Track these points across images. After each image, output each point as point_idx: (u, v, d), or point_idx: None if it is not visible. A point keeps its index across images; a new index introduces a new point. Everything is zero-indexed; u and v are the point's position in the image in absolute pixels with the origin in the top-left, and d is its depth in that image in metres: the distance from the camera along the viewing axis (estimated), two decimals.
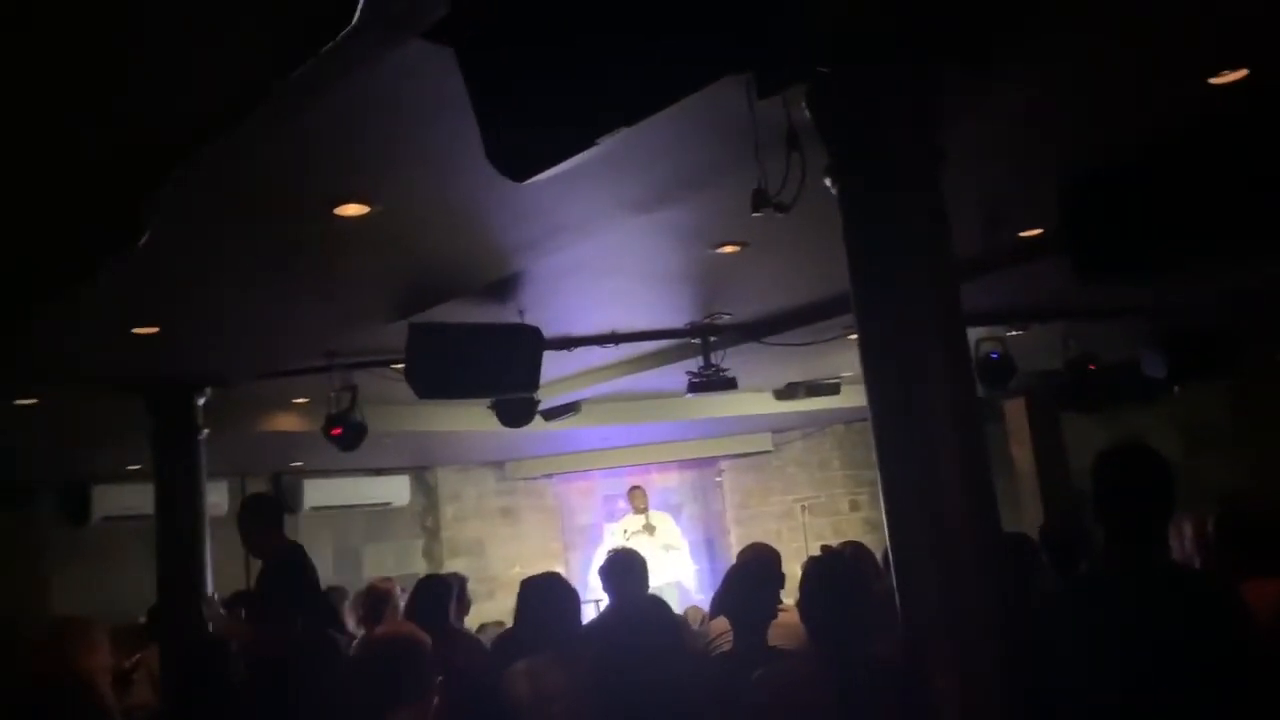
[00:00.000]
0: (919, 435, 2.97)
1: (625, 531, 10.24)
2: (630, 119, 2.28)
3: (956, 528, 2.90)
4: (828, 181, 2.96)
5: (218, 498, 9.08)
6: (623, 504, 11.03)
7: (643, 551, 9.25)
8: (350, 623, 5.83)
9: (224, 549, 7.78)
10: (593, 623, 4.70)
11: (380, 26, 2.57)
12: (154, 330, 5.13)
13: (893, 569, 3.05)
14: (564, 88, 2.34)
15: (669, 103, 2.25)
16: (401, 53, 2.72)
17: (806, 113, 2.90)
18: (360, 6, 2.46)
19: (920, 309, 2.96)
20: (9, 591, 8.50)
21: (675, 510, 12.00)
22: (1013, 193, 4.63)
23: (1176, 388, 7.45)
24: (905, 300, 2.96)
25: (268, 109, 2.91)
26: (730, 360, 6.94)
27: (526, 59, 2.44)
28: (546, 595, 3.97)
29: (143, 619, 6.95)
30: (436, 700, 2.71)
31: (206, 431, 6.47)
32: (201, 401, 6.41)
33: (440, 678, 2.80)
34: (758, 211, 2.82)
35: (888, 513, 3.07)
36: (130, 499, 8.69)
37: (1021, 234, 5.19)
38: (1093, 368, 7.32)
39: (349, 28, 2.52)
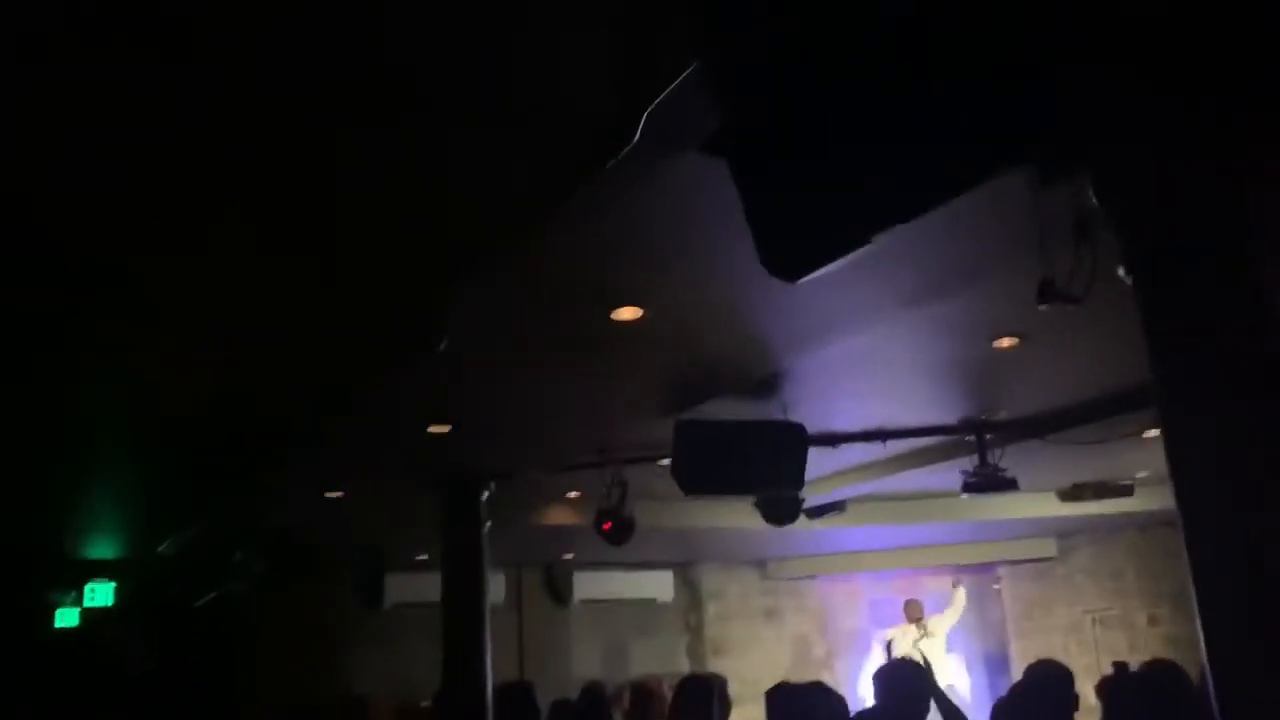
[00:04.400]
0: (1240, 542, 2.67)
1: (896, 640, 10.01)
2: (906, 216, 2.24)
3: None
4: (1121, 271, 2.77)
5: (496, 586, 9.56)
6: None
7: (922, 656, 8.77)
8: (617, 718, 5.88)
9: (499, 636, 8.16)
10: None
11: (658, 142, 2.71)
12: (447, 429, 5.53)
13: (1213, 695, 2.72)
14: (838, 186, 2.34)
15: (946, 199, 2.20)
16: (676, 165, 2.85)
17: (1093, 200, 2.74)
18: (641, 125, 2.61)
19: (1237, 406, 2.68)
20: (312, 664, 9.26)
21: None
22: None
23: None
24: (1219, 398, 2.70)
25: (554, 221, 3.12)
26: (1008, 459, 6.56)
27: (799, 159, 2.47)
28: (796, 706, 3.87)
29: (427, 703, 7.33)
30: None
31: (489, 524, 6.84)
32: (485, 496, 6.80)
33: None
34: (1045, 304, 2.68)
35: (1206, 631, 2.76)
36: (418, 587, 9.30)
37: None
38: None
39: (630, 145, 2.68)
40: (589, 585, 10.87)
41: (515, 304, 3.92)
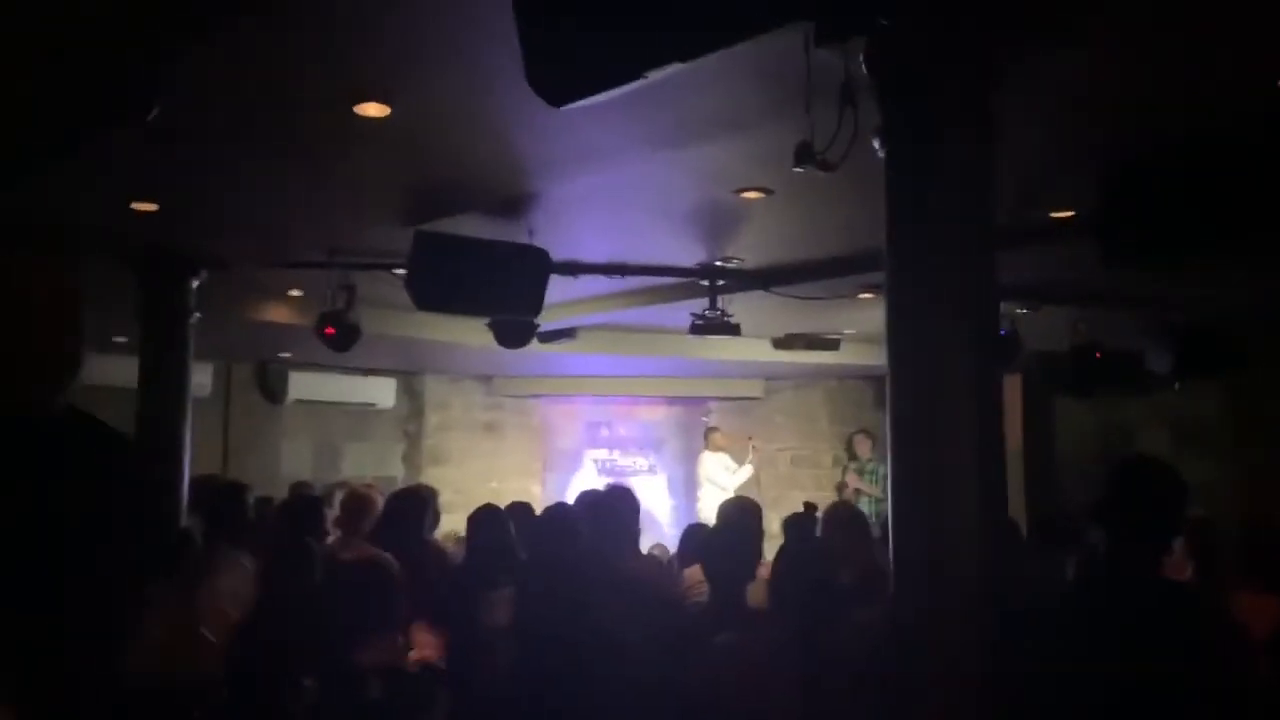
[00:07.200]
0: (940, 407, 2.90)
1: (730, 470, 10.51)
2: (685, 55, 2.14)
3: (966, 501, 2.84)
4: (875, 143, 2.84)
5: (202, 378, 9.01)
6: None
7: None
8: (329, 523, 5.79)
9: (203, 430, 7.75)
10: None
11: None
12: (153, 207, 4.98)
13: (890, 535, 3.00)
14: (618, 15, 2.20)
15: (728, 43, 2.12)
16: None
17: (863, 68, 2.76)
18: None
19: (955, 278, 2.87)
20: None
21: (658, 445, 11.99)
22: (1051, 170, 4.50)
23: (1177, 383, 7.39)
24: (942, 268, 2.87)
25: None
26: (732, 305, 6.84)
27: None
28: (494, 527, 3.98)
29: None
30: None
31: (198, 315, 6.36)
32: (195, 284, 6.28)
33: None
34: (800, 167, 2.70)
35: (893, 478, 3.01)
36: (112, 371, 8.60)
37: (1053, 213, 5.07)
38: (1099, 355, 7.26)
39: None
40: (305, 386, 10.50)
41: (246, 81, 3.49)
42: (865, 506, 8.96)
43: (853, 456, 10.69)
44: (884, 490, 9.30)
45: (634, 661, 3.13)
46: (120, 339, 8.19)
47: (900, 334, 3.01)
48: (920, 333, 2.93)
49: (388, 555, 3.66)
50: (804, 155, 2.69)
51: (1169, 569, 2.82)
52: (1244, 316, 7.07)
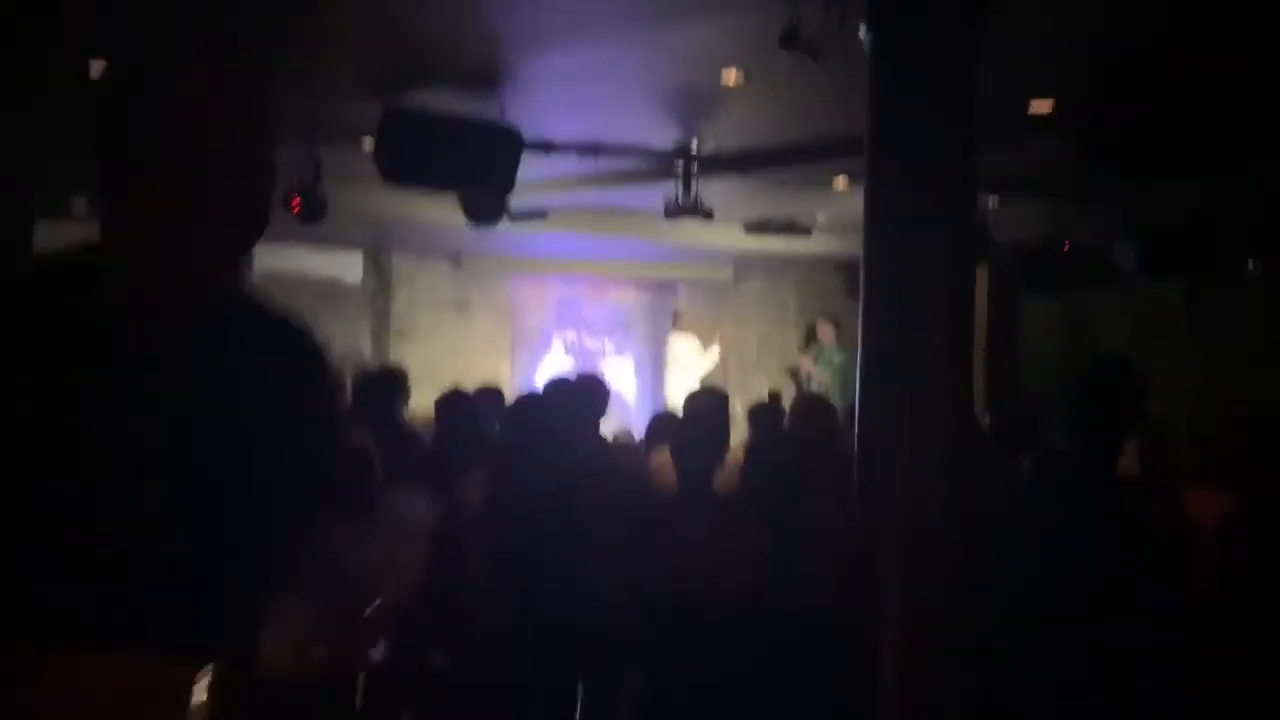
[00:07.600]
0: (914, 297, 2.90)
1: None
2: None
3: (935, 392, 2.88)
4: (862, 31, 2.76)
5: None
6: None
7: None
8: None
9: None
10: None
11: None
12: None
13: (857, 424, 3.05)
14: None
15: None
16: None
17: None
18: None
19: (936, 168, 2.84)
20: None
21: (626, 328, 12.01)
22: (1033, 63, 4.41)
23: (1140, 281, 7.48)
24: (923, 156, 2.84)
25: None
26: (705, 189, 6.75)
27: None
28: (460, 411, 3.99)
29: None
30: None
31: None
32: None
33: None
34: (786, 50, 2.63)
35: (863, 367, 3.04)
36: (76, 237, 8.37)
37: (1031, 105, 5.00)
38: (1066, 249, 7.31)
39: None
40: (268, 259, 10.30)
41: None
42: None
43: (812, 339, 10.62)
44: (837, 379, 9.45)
45: (606, 549, 3.19)
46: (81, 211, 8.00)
47: (877, 222, 2.99)
48: (897, 222, 2.92)
49: (365, 439, 3.65)
50: (790, 38, 2.62)
51: (1124, 467, 2.89)
52: (1217, 218, 7.11)
